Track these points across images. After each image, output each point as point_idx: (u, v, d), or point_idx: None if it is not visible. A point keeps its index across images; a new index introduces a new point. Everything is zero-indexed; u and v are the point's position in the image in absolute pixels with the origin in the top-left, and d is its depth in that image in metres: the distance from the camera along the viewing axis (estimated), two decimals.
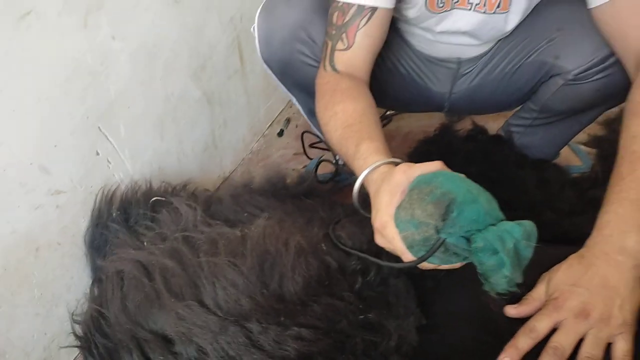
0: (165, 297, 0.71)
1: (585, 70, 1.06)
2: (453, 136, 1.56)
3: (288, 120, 1.89)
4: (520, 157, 1.39)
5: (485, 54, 1.23)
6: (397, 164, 0.76)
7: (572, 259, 0.76)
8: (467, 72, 1.27)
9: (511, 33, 1.18)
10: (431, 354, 0.74)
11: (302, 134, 1.69)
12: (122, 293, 0.78)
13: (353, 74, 1.02)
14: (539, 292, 0.75)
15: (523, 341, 0.68)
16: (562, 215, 1.13)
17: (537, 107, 1.24)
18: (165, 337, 0.69)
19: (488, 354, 0.70)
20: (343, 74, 1.01)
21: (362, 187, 0.82)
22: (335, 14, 1.01)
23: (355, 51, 1.01)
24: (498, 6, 1.07)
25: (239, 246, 0.76)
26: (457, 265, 0.69)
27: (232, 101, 1.61)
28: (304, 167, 1.58)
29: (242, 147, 1.72)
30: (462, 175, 0.69)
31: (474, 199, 0.64)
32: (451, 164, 1.49)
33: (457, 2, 1.09)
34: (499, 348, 0.70)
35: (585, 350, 0.67)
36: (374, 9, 0.99)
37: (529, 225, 0.64)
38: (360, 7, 0.99)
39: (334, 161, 1.53)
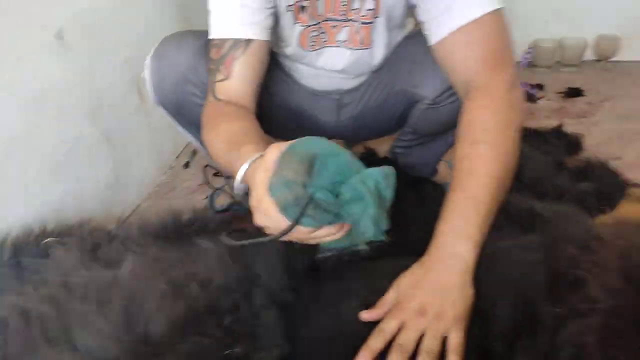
0: (41, 344, 0.73)
1: (439, 96, 1.19)
2: None
3: (194, 152, 1.94)
4: (404, 176, 1.52)
5: (362, 85, 1.35)
6: None
7: (415, 265, 0.87)
8: (349, 103, 1.39)
9: (382, 66, 1.31)
10: None
11: (205, 167, 1.75)
12: (4, 340, 0.80)
13: (237, 102, 1.07)
14: (389, 297, 0.84)
15: (374, 342, 0.76)
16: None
17: (411, 130, 1.37)
18: None
19: None
20: (223, 101, 1.07)
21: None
22: (213, 50, 1.08)
23: (235, 80, 1.06)
24: (361, 43, 1.20)
25: (108, 290, 0.80)
26: (334, 229, 0.73)
27: (134, 137, 1.65)
28: (206, 197, 1.64)
29: (147, 181, 1.75)
30: (327, 140, 0.73)
31: (336, 153, 0.70)
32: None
33: (326, 40, 1.20)
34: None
35: (425, 344, 0.76)
36: (248, 41, 1.06)
37: (387, 168, 0.71)
38: (235, 41, 1.06)
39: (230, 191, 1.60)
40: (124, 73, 1.56)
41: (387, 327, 0.78)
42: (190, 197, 1.72)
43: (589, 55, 2.51)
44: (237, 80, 1.06)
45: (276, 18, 1.14)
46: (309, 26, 1.16)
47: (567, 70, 2.47)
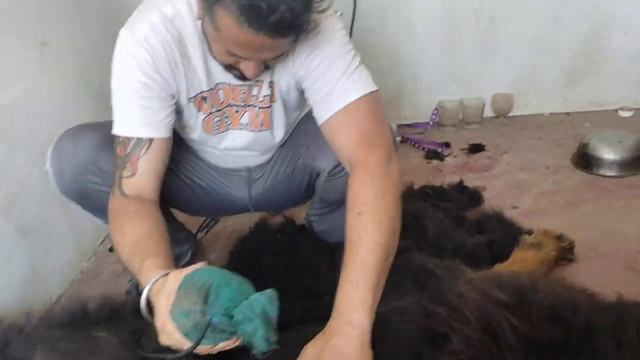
0: None
1: (334, 168, 1.31)
2: (267, 231, 1.76)
3: None
4: (320, 244, 1.60)
5: (269, 161, 1.46)
6: None
7: (318, 335, 0.95)
8: (259, 177, 1.49)
9: (285, 143, 1.42)
10: None
11: None
12: None
13: (141, 196, 1.15)
14: None
15: None
16: None
17: (319, 199, 1.47)
18: None
19: None
20: (131, 197, 1.14)
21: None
22: (118, 147, 1.16)
23: (140, 177, 1.15)
24: (262, 125, 1.31)
25: None
26: (231, 342, 0.86)
27: (52, 228, 1.66)
28: (129, 280, 1.66)
29: (69, 269, 1.75)
30: (218, 267, 0.90)
31: (228, 282, 0.85)
32: (263, 258, 1.65)
33: (230, 124, 1.31)
34: None
35: None
36: (151, 140, 1.15)
37: (270, 292, 0.86)
38: (139, 140, 1.14)
39: None
40: (39, 166, 1.59)
41: None
42: (117, 281, 1.73)
43: (488, 112, 2.73)
44: (143, 176, 1.15)
45: (179, 110, 1.23)
46: (212, 113, 1.26)
47: (470, 128, 2.68)
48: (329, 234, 1.58)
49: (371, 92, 1.14)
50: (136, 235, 1.06)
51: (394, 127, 2.64)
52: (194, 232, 1.83)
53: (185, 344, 0.84)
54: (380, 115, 1.14)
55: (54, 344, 0.92)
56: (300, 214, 1.75)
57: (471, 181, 2.09)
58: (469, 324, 0.77)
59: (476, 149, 2.42)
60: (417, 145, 2.53)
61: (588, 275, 1.50)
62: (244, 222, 1.92)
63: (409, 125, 2.78)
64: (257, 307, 0.83)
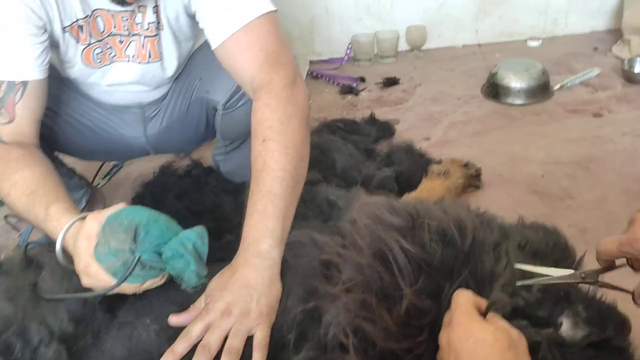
0: None
1: (230, 99, 1.23)
2: (171, 175, 1.66)
3: None
4: (226, 185, 1.53)
5: (164, 97, 1.35)
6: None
7: (225, 268, 0.88)
8: (154, 115, 1.38)
9: (179, 77, 1.32)
10: None
11: (5, 217, 1.64)
12: None
13: (22, 142, 1.04)
14: (199, 301, 0.86)
15: (179, 345, 0.78)
16: None
17: (220, 136, 1.39)
18: None
19: None
20: (12, 144, 1.03)
21: None
22: None
23: (19, 123, 1.05)
24: (150, 56, 1.19)
25: None
26: (157, 279, 0.85)
27: None
28: (19, 235, 1.53)
29: None
30: (143, 207, 0.86)
31: (156, 220, 0.83)
32: (165, 202, 1.56)
33: (115, 55, 1.18)
34: None
35: (228, 342, 0.78)
36: (25, 83, 1.04)
37: (199, 229, 0.84)
38: (11, 83, 1.03)
39: None
40: None
41: (193, 330, 0.80)
42: (5, 237, 1.60)
43: (403, 46, 2.70)
44: (21, 123, 1.06)
45: (54, 44, 1.10)
46: (92, 44, 1.13)
47: (385, 62, 2.64)
48: (235, 174, 1.50)
49: (271, 12, 1.04)
50: (29, 183, 0.97)
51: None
52: (90, 179, 1.72)
53: (111, 283, 0.81)
54: (283, 36, 1.06)
55: None
56: (208, 154, 1.67)
57: (385, 115, 2.07)
58: (360, 251, 0.74)
59: (390, 82, 2.39)
60: (331, 81, 2.47)
61: (494, 200, 1.54)
62: (149, 167, 1.81)
63: (324, 61, 2.70)
64: (188, 244, 0.82)
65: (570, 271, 0.74)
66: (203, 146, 1.77)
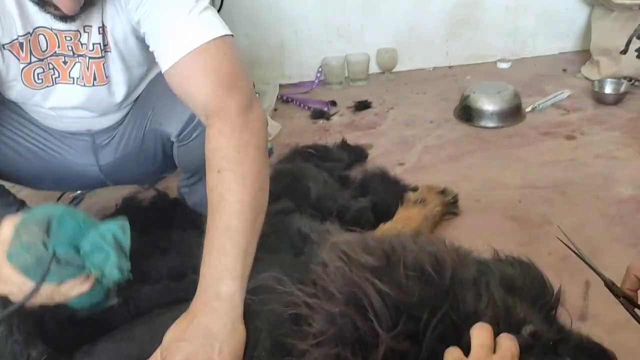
0: None
1: (183, 131, 1.16)
2: (136, 208, 1.57)
3: None
4: (193, 218, 1.46)
5: (117, 125, 1.28)
6: None
7: (182, 316, 0.80)
8: (106, 143, 1.31)
9: (134, 105, 1.25)
10: None
11: None
12: None
13: None
14: (155, 356, 0.77)
15: None
16: None
17: (180, 168, 1.32)
18: None
19: None
20: None
21: None
22: None
23: None
24: (95, 79, 1.12)
25: None
26: (79, 281, 0.78)
27: None
28: None
29: None
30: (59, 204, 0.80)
31: (72, 212, 0.79)
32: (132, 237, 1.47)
33: (58, 77, 1.11)
34: None
35: None
36: None
37: (121, 219, 0.81)
38: None
39: None
40: None
41: None
42: None
43: (374, 68, 2.68)
44: None
45: None
46: (32, 63, 1.07)
47: (357, 85, 2.61)
48: (203, 206, 1.41)
49: (225, 35, 0.98)
50: None
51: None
52: None
53: (27, 285, 0.75)
54: (238, 59, 1.00)
55: None
56: (175, 184, 1.59)
57: (358, 139, 2.03)
58: (331, 297, 0.67)
59: (362, 106, 2.36)
60: (302, 105, 2.42)
61: (472, 227, 1.50)
62: (113, 198, 1.73)
63: (294, 85, 2.66)
64: (108, 235, 0.77)
65: None
66: (169, 176, 1.70)
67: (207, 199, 1.40)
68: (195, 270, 1.10)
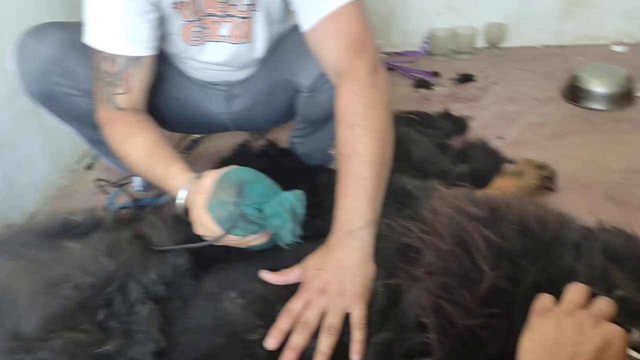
0: None
1: (314, 82, 1.26)
2: (248, 153, 1.72)
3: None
4: (302, 167, 1.58)
5: (250, 77, 1.41)
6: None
7: (319, 248, 0.93)
8: (239, 94, 1.44)
9: (267, 59, 1.37)
10: None
11: (97, 180, 1.74)
12: None
13: (136, 109, 1.17)
14: (293, 270, 0.91)
15: (283, 322, 0.82)
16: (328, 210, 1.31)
17: (300, 119, 1.43)
18: None
19: (221, 351, 0.82)
20: (128, 110, 1.15)
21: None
22: (106, 63, 1.13)
23: (134, 93, 1.16)
24: (242, 37, 1.26)
25: None
26: (258, 236, 0.95)
27: (26, 142, 1.62)
28: (107, 197, 1.64)
29: (45, 185, 1.73)
30: (251, 168, 0.99)
31: (260, 180, 0.96)
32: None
33: (209, 35, 1.25)
34: (231, 344, 0.82)
35: (327, 320, 0.83)
36: (140, 58, 1.14)
37: (299, 192, 0.94)
38: (129, 58, 1.13)
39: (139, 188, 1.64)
40: (8, 76, 1.52)
41: (294, 307, 0.84)
42: (93, 199, 1.71)
43: (481, 42, 2.66)
44: (136, 93, 1.17)
45: (163, 20, 1.18)
46: (191, 21, 1.21)
47: (461, 58, 2.61)
48: (311, 157, 1.54)
49: (357, 0, 1.07)
50: (148, 145, 1.11)
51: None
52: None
53: (218, 233, 0.92)
54: (369, 23, 1.08)
55: (25, 251, 0.91)
56: (283, 137, 1.72)
57: (459, 111, 2.06)
58: (440, 237, 0.76)
59: (465, 79, 2.37)
60: (405, 74, 2.47)
61: (569, 204, 1.48)
62: (226, 144, 1.89)
63: (399, 54, 2.70)
64: (286, 204, 0.91)
65: None
66: (278, 128, 1.83)
67: (316, 150, 1.54)
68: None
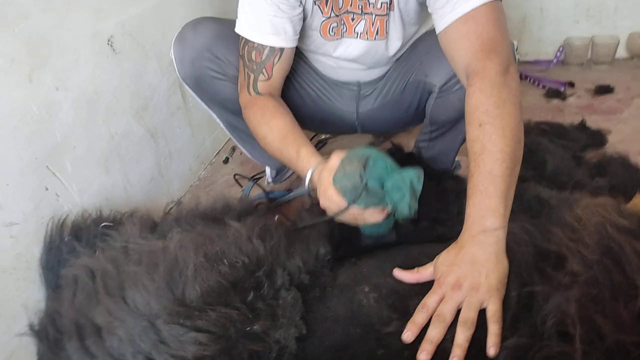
0: (101, 294, 0.87)
1: (447, 83, 1.28)
2: None
3: (233, 149, 2.08)
4: (428, 171, 1.59)
5: (381, 78, 1.47)
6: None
7: (451, 246, 0.95)
8: (368, 94, 1.50)
9: (398, 60, 1.41)
10: (309, 357, 0.85)
11: (234, 175, 1.90)
12: (73, 292, 0.93)
13: (272, 94, 1.29)
14: (426, 268, 0.94)
15: (419, 317, 0.85)
16: (453, 217, 1.31)
17: (429, 121, 1.46)
18: (97, 325, 0.84)
19: (356, 341, 0.85)
20: (265, 95, 1.28)
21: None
22: (253, 52, 1.26)
23: (273, 80, 1.29)
24: (377, 33, 1.31)
25: (157, 256, 0.93)
26: (379, 210, 1.01)
27: (177, 135, 1.79)
28: (242, 190, 1.76)
29: (189, 175, 1.90)
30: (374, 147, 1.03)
31: (383, 157, 0.99)
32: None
33: (346, 31, 1.33)
34: (366, 335, 0.86)
35: (462, 314, 0.84)
36: (282, 49, 1.27)
37: (418, 169, 0.98)
38: (272, 48, 1.26)
39: (269, 180, 1.75)
40: (168, 75, 1.70)
41: (429, 302, 0.87)
42: (228, 190, 1.85)
43: (622, 53, 2.51)
44: (275, 80, 1.30)
45: (304, 16, 1.28)
46: (330, 17, 1.30)
47: (599, 68, 2.48)
48: (437, 161, 1.56)
49: (494, 1, 1.08)
50: (282, 128, 1.21)
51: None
52: None
53: (342, 204, 0.99)
54: (502, 25, 1.09)
55: (193, 226, 1.02)
56: (408, 142, 1.74)
57: (595, 123, 1.96)
58: (587, 246, 0.74)
59: (604, 90, 2.24)
60: (537, 83, 2.39)
61: None
62: (351, 146, 1.95)
63: (529, 62, 2.62)
64: (406, 179, 0.95)
65: None
66: (403, 133, 1.86)
67: (442, 154, 1.55)
68: (429, 217, 1.25)
